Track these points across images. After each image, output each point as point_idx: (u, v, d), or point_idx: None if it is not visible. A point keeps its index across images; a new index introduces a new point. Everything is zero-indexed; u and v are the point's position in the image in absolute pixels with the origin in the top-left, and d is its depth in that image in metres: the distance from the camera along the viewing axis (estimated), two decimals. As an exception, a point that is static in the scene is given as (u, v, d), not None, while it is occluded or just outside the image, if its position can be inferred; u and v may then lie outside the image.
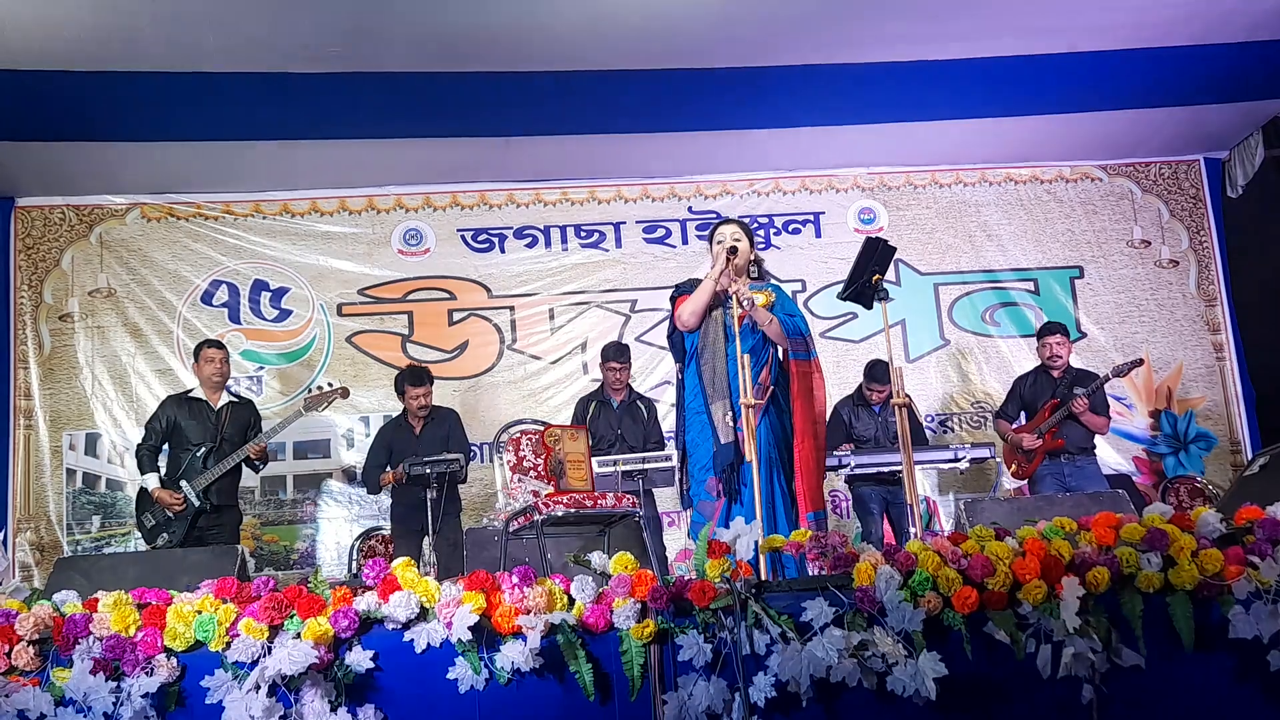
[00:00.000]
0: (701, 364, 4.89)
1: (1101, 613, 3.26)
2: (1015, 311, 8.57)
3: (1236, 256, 8.66)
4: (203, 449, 6.30)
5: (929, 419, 8.21)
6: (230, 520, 6.43)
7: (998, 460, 7.12)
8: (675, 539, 7.20)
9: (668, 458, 5.95)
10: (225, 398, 6.57)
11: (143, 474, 6.40)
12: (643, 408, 7.07)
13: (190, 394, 6.58)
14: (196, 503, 6.22)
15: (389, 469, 6.77)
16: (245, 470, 6.60)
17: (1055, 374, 7.07)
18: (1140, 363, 7.19)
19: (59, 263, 8.06)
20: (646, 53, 6.60)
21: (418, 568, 3.35)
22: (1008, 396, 7.41)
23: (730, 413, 4.73)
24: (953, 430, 8.30)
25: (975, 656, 3.21)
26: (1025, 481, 7.10)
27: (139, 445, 6.52)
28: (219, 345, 6.70)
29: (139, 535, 6.56)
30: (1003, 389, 8.27)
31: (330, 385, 6.71)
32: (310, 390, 6.77)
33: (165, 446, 6.46)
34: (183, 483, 6.25)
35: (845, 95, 7.30)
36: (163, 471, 6.37)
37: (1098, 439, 7.08)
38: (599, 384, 7.23)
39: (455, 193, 8.43)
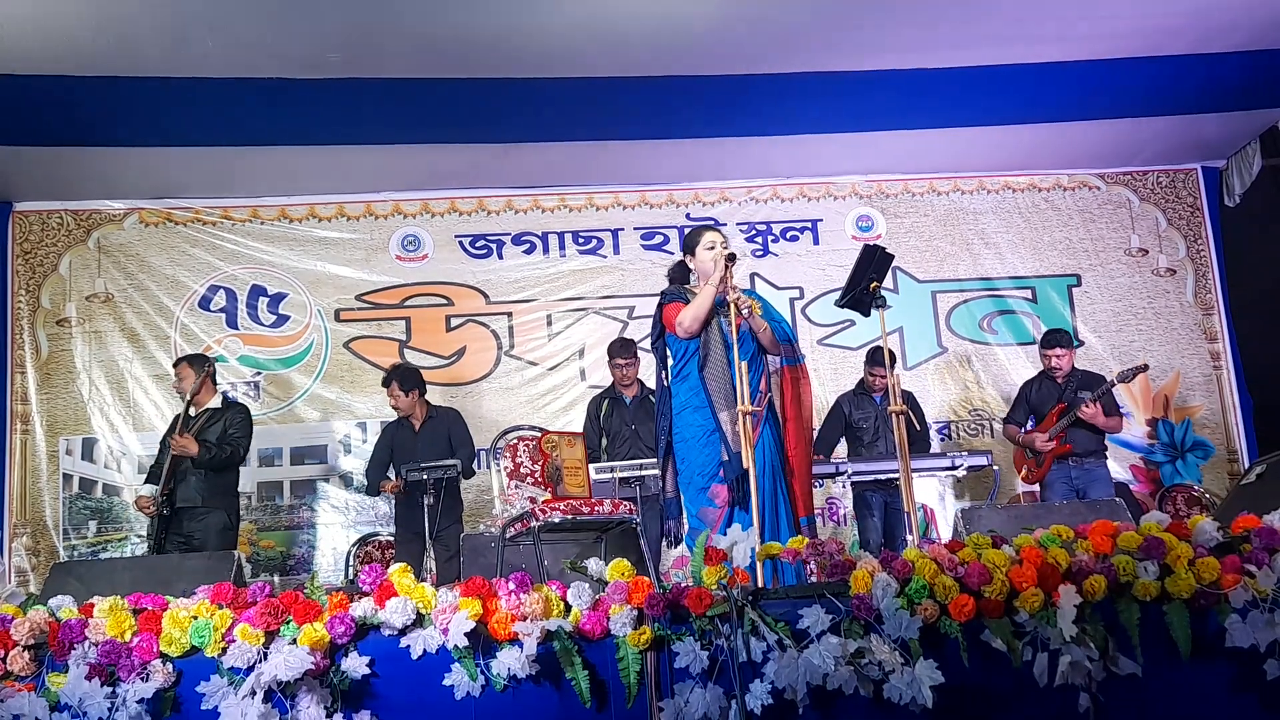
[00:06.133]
0: (706, 373, 4.87)
1: (1098, 621, 3.26)
2: (1013, 319, 8.58)
3: (1234, 265, 8.67)
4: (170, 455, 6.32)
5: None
6: (214, 522, 6.27)
7: (995, 468, 7.13)
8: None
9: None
10: (214, 401, 6.55)
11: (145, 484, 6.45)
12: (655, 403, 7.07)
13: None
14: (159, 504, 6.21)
15: (390, 474, 6.83)
16: (244, 472, 6.67)
17: (1059, 379, 7.11)
18: (1145, 368, 7.22)
19: (57, 267, 8.06)
20: (645, 59, 6.60)
21: (418, 574, 3.35)
22: (1015, 402, 7.47)
23: (737, 420, 4.72)
24: (949, 438, 8.30)
25: (972, 664, 3.21)
26: (1037, 486, 7.15)
27: (154, 463, 6.58)
28: (182, 362, 6.66)
29: (135, 540, 6.54)
30: (1000, 396, 8.33)
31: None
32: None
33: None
34: (154, 488, 6.24)
35: (843, 103, 7.31)
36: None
37: (1107, 444, 7.12)
38: (610, 382, 7.24)
39: (453, 199, 8.43)
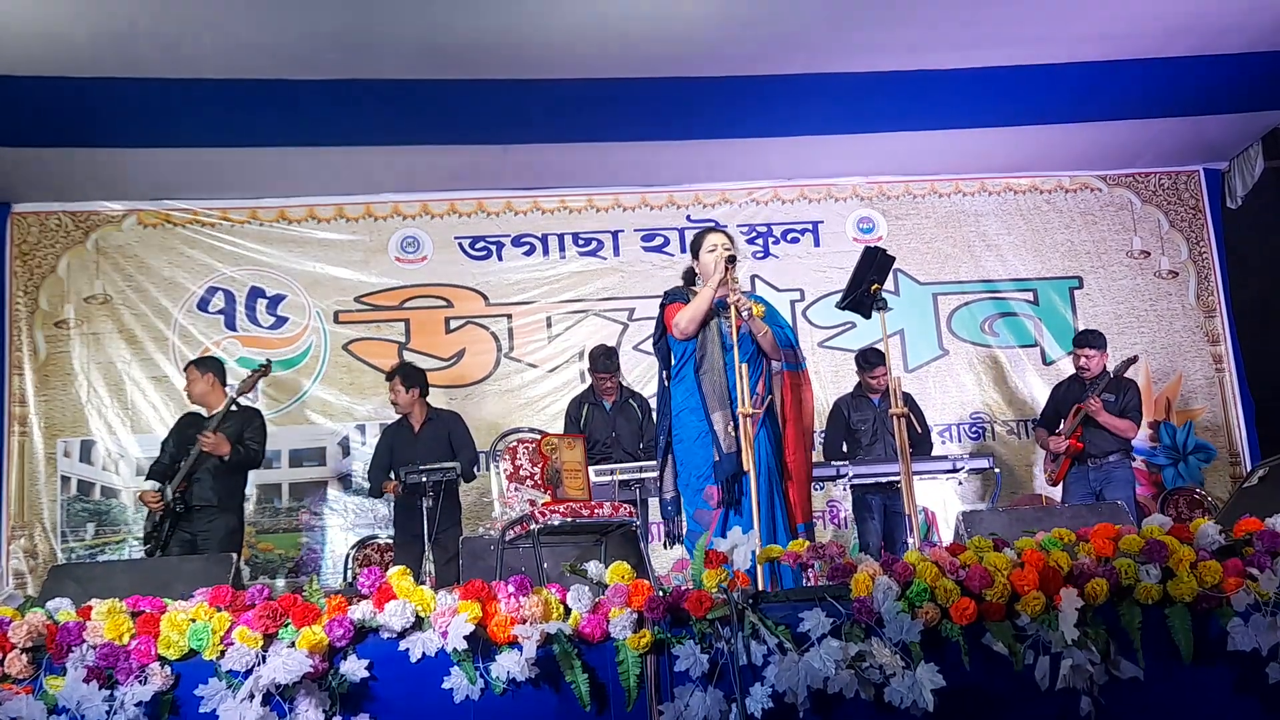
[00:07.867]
0: (701, 374, 4.87)
1: (1100, 624, 3.25)
2: (1014, 322, 8.56)
3: (1236, 267, 8.66)
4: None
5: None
6: (224, 523, 6.29)
7: (996, 471, 7.12)
8: (655, 552, 7.15)
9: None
10: (224, 406, 6.53)
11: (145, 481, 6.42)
12: (636, 407, 7.07)
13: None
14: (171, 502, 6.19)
15: (392, 474, 6.81)
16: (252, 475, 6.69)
17: (1086, 380, 7.11)
18: (1135, 360, 7.23)
19: (55, 269, 8.04)
20: (645, 61, 6.59)
21: (417, 577, 3.34)
22: (1046, 403, 7.50)
23: (731, 422, 4.72)
24: (949, 441, 8.29)
25: (973, 668, 3.20)
26: (1060, 487, 7.17)
27: (154, 462, 6.56)
28: (189, 366, 6.71)
29: (133, 543, 6.50)
30: (1001, 399, 8.32)
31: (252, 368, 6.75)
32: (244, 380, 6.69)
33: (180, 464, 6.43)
34: (166, 487, 6.22)
35: (844, 104, 7.30)
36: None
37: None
38: (589, 386, 7.22)
39: (453, 200, 8.42)
